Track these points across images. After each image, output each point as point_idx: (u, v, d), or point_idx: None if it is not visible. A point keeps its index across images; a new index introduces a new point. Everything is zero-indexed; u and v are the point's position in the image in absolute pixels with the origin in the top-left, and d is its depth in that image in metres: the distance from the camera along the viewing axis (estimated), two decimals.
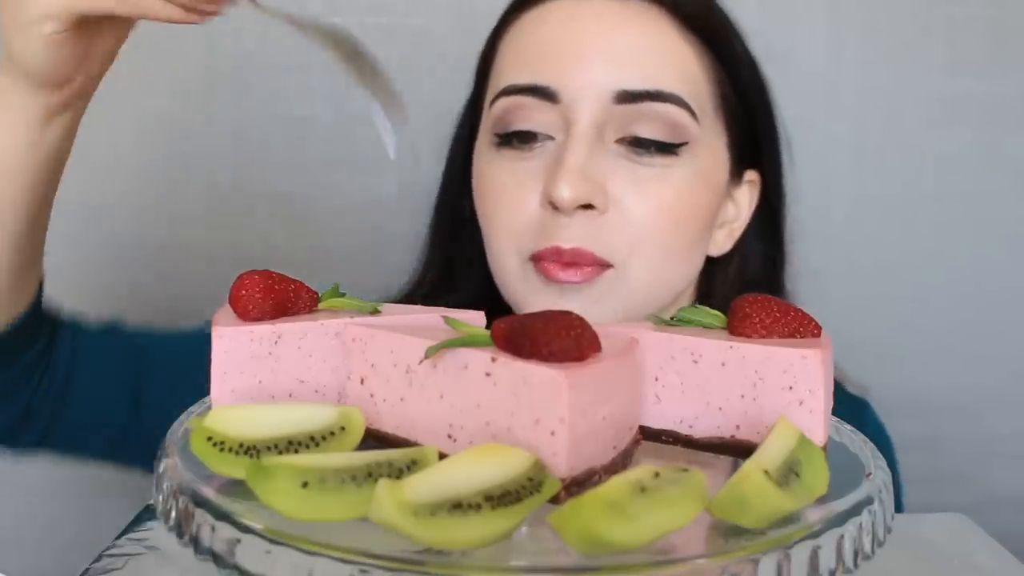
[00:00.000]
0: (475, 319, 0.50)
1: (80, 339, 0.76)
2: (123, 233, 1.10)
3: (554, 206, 0.67)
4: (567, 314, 0.41)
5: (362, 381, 0.46)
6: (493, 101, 0.72)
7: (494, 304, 0.75)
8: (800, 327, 0.48)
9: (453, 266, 0.85)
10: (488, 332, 0.42)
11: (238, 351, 0.47)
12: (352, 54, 0.46)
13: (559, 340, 0.39)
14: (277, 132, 1.12)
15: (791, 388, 0.45)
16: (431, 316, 0.50)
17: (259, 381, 0.47)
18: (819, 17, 1.13)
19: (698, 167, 0.70)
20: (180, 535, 0.39)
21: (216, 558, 0.37)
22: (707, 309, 0.51)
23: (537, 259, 0.69)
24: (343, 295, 0.53)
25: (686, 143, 0.69)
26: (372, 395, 0.46)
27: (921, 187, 1.14)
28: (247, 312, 0.48)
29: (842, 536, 0.38)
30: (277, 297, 0.48)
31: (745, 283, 0.79)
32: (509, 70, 0.72)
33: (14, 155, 0.61)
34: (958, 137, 1.13)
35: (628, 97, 0.67)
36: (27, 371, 0.71)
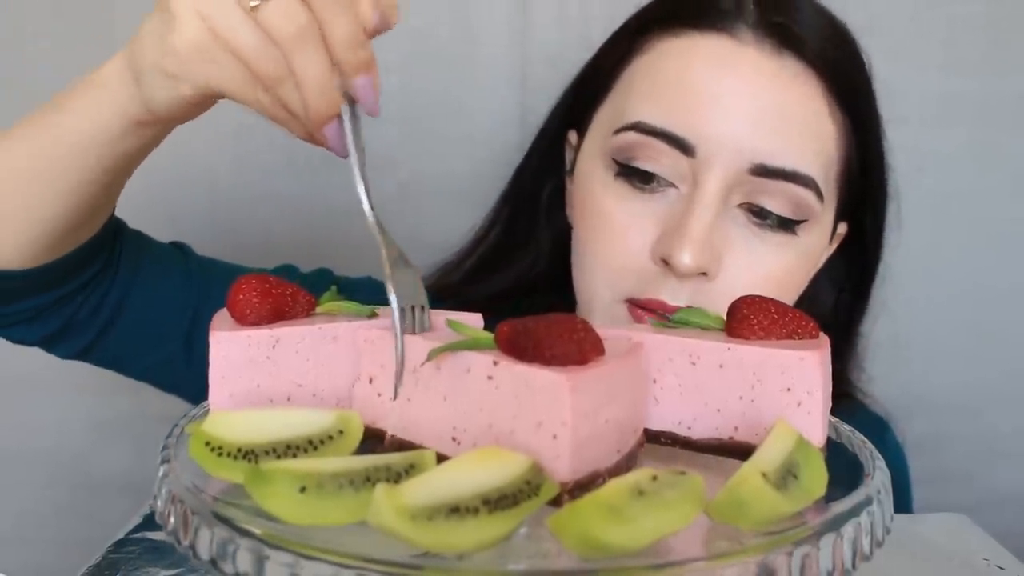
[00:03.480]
0: (473, 321, 0.50)
1: (143, 258, 0.74)
2: None
3: (667, 264, 0.65)
4: (570, 317, 0.41)
5: (371, 381, 0.47)
6: (620, 130, 0.68)
7: (532, 291, 0.77)
8: (798, 329, 0.48)
9: (518, 233, 0.84)
10: (491, 335, 0.42)
11: (236, 356, 0.47)
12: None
13: (561, 343, 0.39)
14: (277, 132, 1.11)
15: (789, 390, 0.45)
16: (433, 318, 0.50)
17: (257, 385, 0.47)
18: None
19: (810, 244, 0.69)
20: (179, 540, 0.39)
21: (215, 563, 0.37)
22: (705, 311, 0.51)
23: (634, 304, 0.67)
24: (340, 298, 0.53)
25: (805, 220, 0.68)
26: (380, 394, 0.46)
27: (920, 187, 1.14)
28: (244, 317, 0.48)
29: (841, 537, 0.38)
30: (274, 302, 0.48)
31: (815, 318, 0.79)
32: (643, 102, 0.68)
33: (91, 144, 0.58)
34: (957, 137, 1.13)
35: (764, 171, 0.65)
36: (75, 291, 0.70)
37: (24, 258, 0.63)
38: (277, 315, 0.49)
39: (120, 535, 0.60)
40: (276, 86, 0.48)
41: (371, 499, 0.34)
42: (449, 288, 0.86)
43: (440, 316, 0.49)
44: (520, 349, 0.40)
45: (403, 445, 0.44)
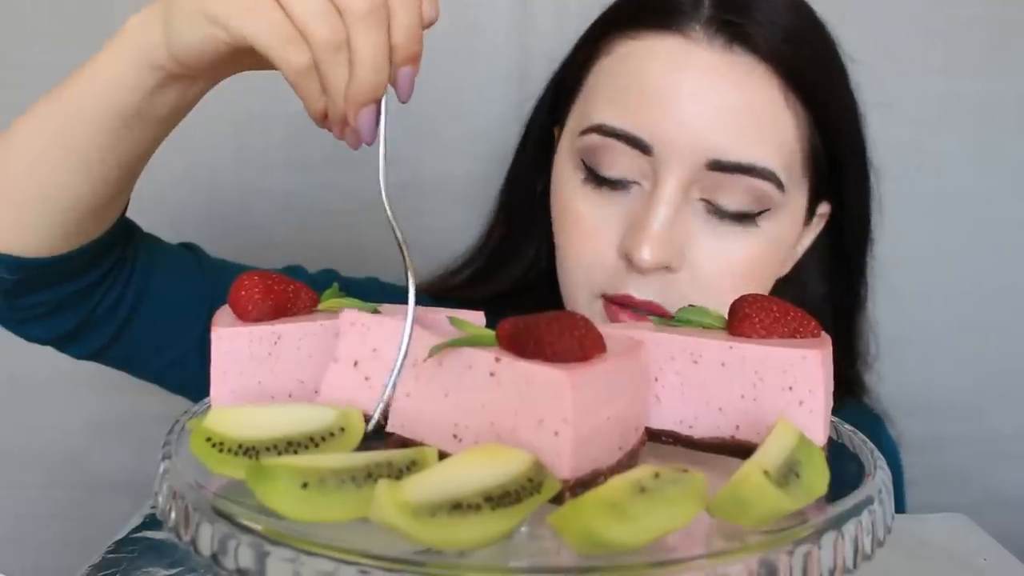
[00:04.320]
0: (475, 319, 0.50)
1: (159, 258, 0.74)
2: None
3: (630, 260, 0.67)
4: (571, 314, 0.41)
5: (355, 364, 0.46)
6: (584, 132, 0.71)
7: (547, 285, 0.77)
8: (800, 327, 0.48)
9: (518, 236, 0.85)
10: (493, 332, 0.42)
11: (237, 352, 0.47)
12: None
13: (563, 340, 0.39)
14: (277, 132, 1.12)
15: (791, 388, 0.45)
16: (433, 316, 0.50)
17: (259, 382, 0.47)
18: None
19: (775, 232, 0.70)
20: (180, 536, 0.39)
21: (216, 559, 0.37)
22: (707, 309, 0.51)
23: (607, 300, 0.70)
24: (343, 295, 0.53)
25: (767, 210, 0.69)
26: (368, 378, 0.46)
27: (921, 187, 1.14)
28: (247, 313, 0.48)
29: (842, 536, 0.38)
30: (276, 298, 0.48)
31: (805, 308, 0.80)
32: (604, 105, 0.70)
33: (109, 106, 0.58)
34: (958, 137, 1.13)
35: (720, 167, 0.66)
36: (89, 289, 0.70)
37: (42, 245, 0.64)
38: (279, 311, 0.49)
39: (119, 535, 0.60)
40: (327, 54, 0.47)
41: (373, 495, 0.33)
42: (451, 291, 0.86)
43: (441, 313, 0.49)
44: (522, 346, 0.40)
45: (404, 442, 0.44)
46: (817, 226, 0.78)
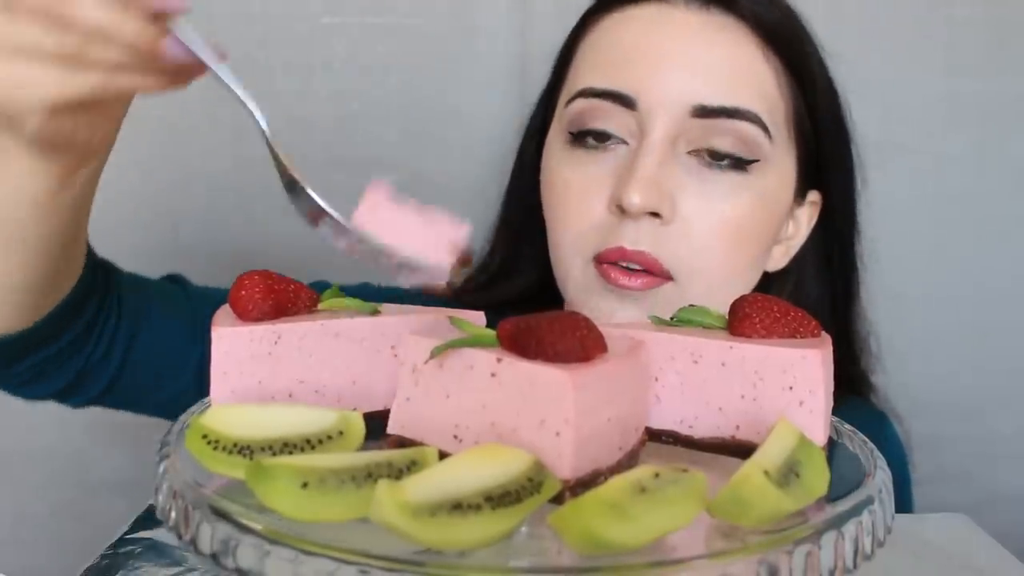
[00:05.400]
0: (475, 319, 0.50)
1: (145, 298, 0.75)
2: (123, 233, 1.10)
3: (621, 210, 0.67)
4: (573, 315, 0.41)
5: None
6: (570, 101, 0.72)
7: (550, 296, 0.77)
8: (800, 327, 0.48)
9: (520, 255, 0.85)
10: (494, 332, 0.42)
11: (238, 351, 0.47)
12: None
13: (565, 341, 0.39)
14: (277, 132, 1.11)
15: (791, 388, 0.45)
16: (434, 316, 0.50)
17: (259, 381, 0.47)
18: (819, 18, 1.13)
19: (766, 187, 0.71)
20: (180, 535, 0.39)
21: (216, 558, 0.37)
22: (707, 309, 0.51)
23: (600, 261, 0.69)
24: (343, 295, 0.53)
25: (757, 161, 0.69)
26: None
27: (921, 188, 1.14)
28: (247, 312, 0.48)
29: (842, 536, 0.38)
30: (277, 297, 0.48)
31: (802, 306, 0.80)
32: (588, 72, 0.72)
33: (27, 223, 0.56)
34: (958, 137, 1.13)
35: (705, 112, 0.67)
36: (75, 344, 0.70)
37: (8, 324, 0.64)
38: (279, 311, 0.48)
39: (118, 536, 0.59)
40: (84, 49, 0.45)
41: (373, 495, 0.33)
42: (464, 295, 0.86)
43: (442, 313, 0.49)
44: (523, 346, 0.40)
45: (404, 442, 0.44)
46: (811, 217, 0.79)
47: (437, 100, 1.09)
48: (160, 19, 0.45)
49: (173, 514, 0.39)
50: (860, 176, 0.81)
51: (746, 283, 0.74)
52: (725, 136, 0.68)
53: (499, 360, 0.40)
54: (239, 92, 0.47)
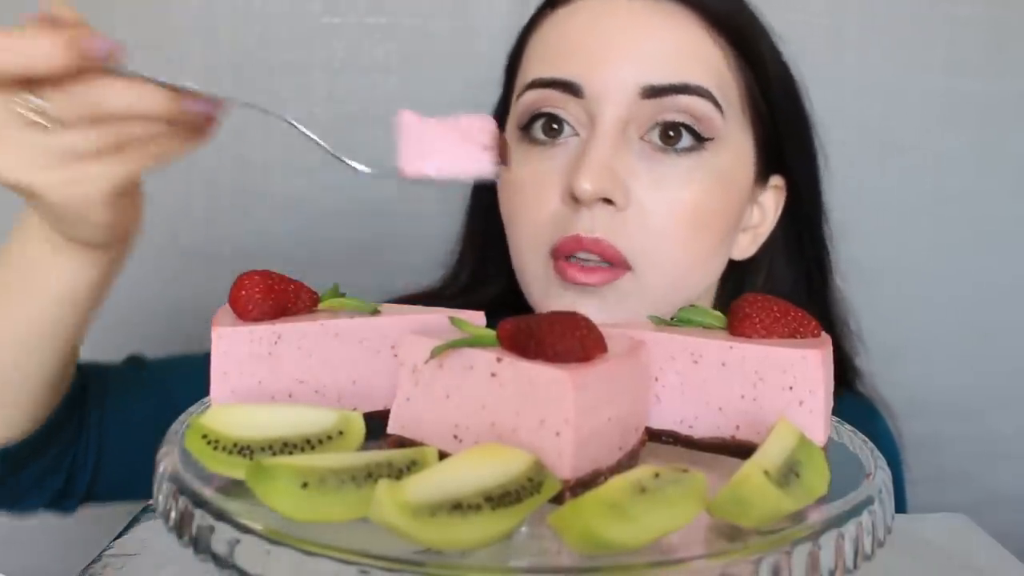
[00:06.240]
0: (475, 319, 0.50)
1: (106, 388, 0.75)
2: None
3: (575, 199, 0.66)
4: (573, 315, 0.41)
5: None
6: (519, 96, 0.72)
7: (524, 303, 0.76)
8: (800, 327, 0.48)
9: (487, 262, 0.84)
10: (494, 332, 0.42)
11: (238, 351, 0.47)
12: None
13: (565, 341, 0.39)
14: (277, 132, 1.12)
15: (791, 388, 0.45)
16: (434, 316, 0.50)
17: (259, 381, 0.47)
18: (819, 17, 1.13)
19: (721, 168, 0.69)
20: (180, 535, 0.39)
21: (216, 558, 0.37)
22: (707, 309, 0.51)
23: (557, 256, 0.68)
24: (343, 295, 0.53)
25: (712, 139, 0.68)
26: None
27: (921, 187, 1.14)
28: (247, 312, 0.48)
29: (842, 536, 0.38)
30: (277, 297, 0.48)
31: (775, 294, 0.79)
32: (536, 65, 0.72)
33: (64, 319, 0.61)
34: (958, 137, 1.13)
35: (654, 92, 0.67)
36: (65, 446, 0.71)
37: (19, 429, 0.66)
38: (280, 311, 0.48)
39: (118, 535, 0.60)
40: (124, 134, 0.51)
41: (373, 495, 0.33)
42: (440, 301, 0.85)
43: (442, 313, 0.49)
44: (523, 346, 0.40)
45: (404, 443, 0.44)
46: (777, 204, 0.78)
47: (436, 101, 1.09)
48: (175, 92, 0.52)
49: (173, 514, 0.39)
50: (823, 159, 0.80)
51: (707, 269, 0.72)
52: (677, 113, 0.67)
53: (499, 360, 0.40)
54: (262, 106, 0.54)
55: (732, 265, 0.77)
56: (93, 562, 0.55)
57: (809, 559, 0.36)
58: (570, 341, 0.39)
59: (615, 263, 0.67)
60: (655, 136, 0.68)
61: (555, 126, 0.70)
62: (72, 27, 0.49)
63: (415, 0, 1.12)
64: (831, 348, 0.47)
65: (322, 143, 0.53)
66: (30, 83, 0.49)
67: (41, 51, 0.48)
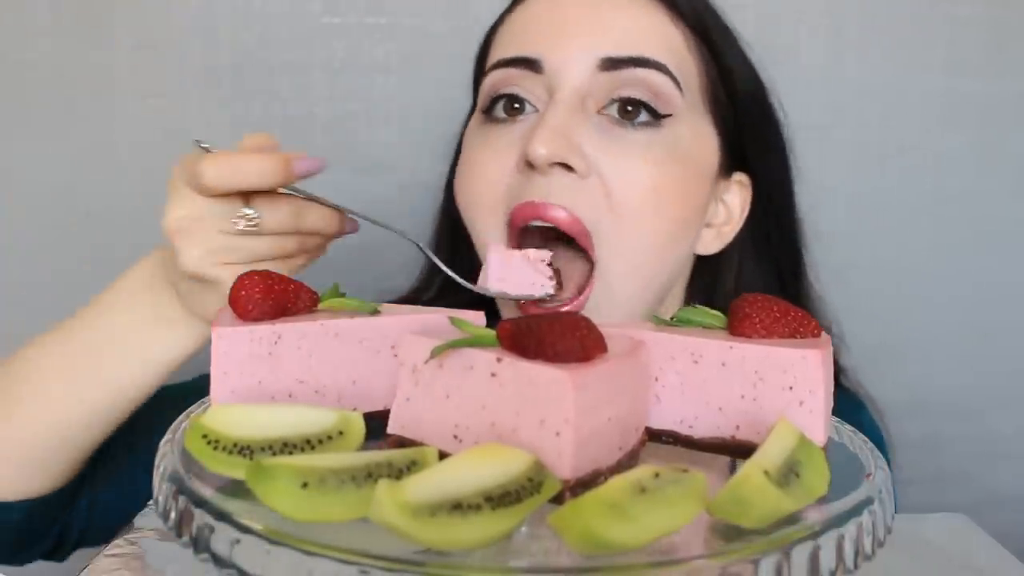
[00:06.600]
0: (475, 319, 0.50)
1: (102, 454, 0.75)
2: (123, 234, 1.10)
3: (530, 166, 0.65)
4: (573, 315, 0.41)
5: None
6: (483, 77, 0.73)
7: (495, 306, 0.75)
8: (800, 327, 0.48)
9: (457, 267, 0.84)
10: (494, 332, 0.42)
11: (238, 351, 0.47)
12: None
13: (565, 341, 0.39)
14: (277, 132, 1.11)
15: (791, 388, 0.45)
16: (434, 316, 0.50)
17: (259, 381, 0.47)
18: (820, 18, 1.13)
19: (679, 146, 0.68)
20: (180, 535, 0.39)
21: (216, 558, 0.37)
22: (707, 309, 0.51)
23: (513, 222, 0.67)
24: (343, 295, 0.53)
25: (669, 115, 0.68)
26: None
27: (921, 187, 1.14)
28: (247, 312, 0.48)
29: (842, 536, 0.38)
30: (277, 297, 0.48)
31: (751, 290, 0.78)
32: (499, 49, 0.73)
33: (145, 383, 0.67)
34: (958, 137, 1.13)
35: (612, 64, 0.67)
36: (63, 503, 0.72)
37: (52, 482, 0.70)
38: (280, 311, 0.48)
39: (118, 535, 0.60)
40: (302, 245, 0.65)
41: (373, 495, 0.33)
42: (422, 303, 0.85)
43: (442, 313, 0.49)
44: (523, 346, 0.40)
45: (404, 443, 0.44)
46: (744, 202, 0.77)
47: (437, 100, 1.09)
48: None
49: (172, 514, 0.39)
50: (793, 159, 0.80)
51: (668, 256, 0.70)
52: (635, 87, 0.67)
53: (499, 360, 0.40)
54: (398, 229, 0.67)
55: (702, 265, 0.77)
56: (93, 562, 0.55)
57: (809, 559, 0.36)
58: (570, 341, 0.39)
59: (574, 233, 0.66)
60: (613, 111, 0.67)
61: (516, 105, 0.70)
62: (273, 148, 0.61)
63: (415, 0, 1.12)
64: (831, 348, 0.47)
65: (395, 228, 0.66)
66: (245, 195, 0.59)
67: (264, 170, 0.57)
